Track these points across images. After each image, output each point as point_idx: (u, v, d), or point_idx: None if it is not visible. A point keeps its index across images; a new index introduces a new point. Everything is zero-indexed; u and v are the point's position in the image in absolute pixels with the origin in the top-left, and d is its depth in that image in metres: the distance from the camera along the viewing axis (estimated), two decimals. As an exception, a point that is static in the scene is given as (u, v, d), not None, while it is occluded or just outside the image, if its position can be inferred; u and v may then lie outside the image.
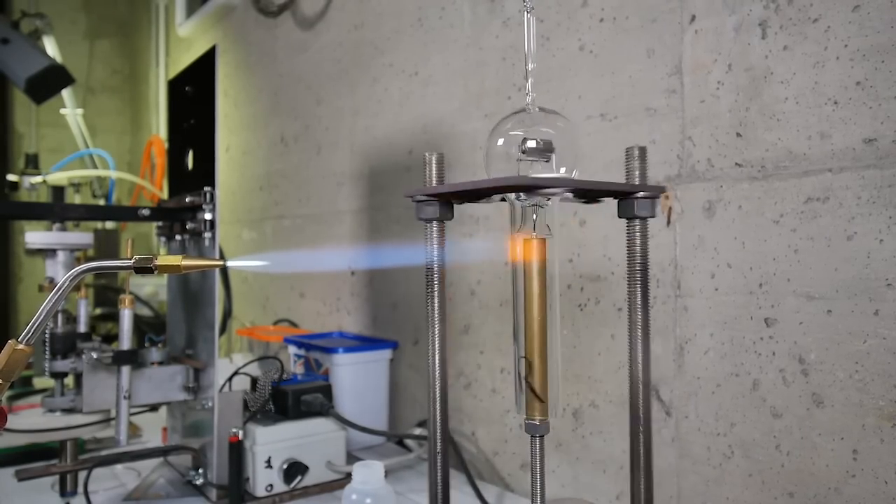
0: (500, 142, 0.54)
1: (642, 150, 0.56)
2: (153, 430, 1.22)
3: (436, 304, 0.58)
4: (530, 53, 0.55)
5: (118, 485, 1.01)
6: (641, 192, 0.54)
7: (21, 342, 0.47)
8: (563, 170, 0.53)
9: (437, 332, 0.59)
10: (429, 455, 0.61)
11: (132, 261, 0.49)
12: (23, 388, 1.30)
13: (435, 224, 0.58)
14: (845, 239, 0.67)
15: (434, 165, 0.58)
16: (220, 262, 0.53)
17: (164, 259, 0.50)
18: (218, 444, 0.91)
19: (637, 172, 0.56)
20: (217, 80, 0.93)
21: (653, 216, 0.55)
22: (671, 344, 0.82)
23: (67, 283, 0.48)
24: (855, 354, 0.66)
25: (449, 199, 0.56)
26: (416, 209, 0.57)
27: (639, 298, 0.55)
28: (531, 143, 0.51)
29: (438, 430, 0.60)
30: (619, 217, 0.56)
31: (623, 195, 0.55)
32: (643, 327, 0.55)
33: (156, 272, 0.50)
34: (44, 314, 0.47)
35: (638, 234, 0.55)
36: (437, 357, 0.59)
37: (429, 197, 0.55)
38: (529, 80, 0.55)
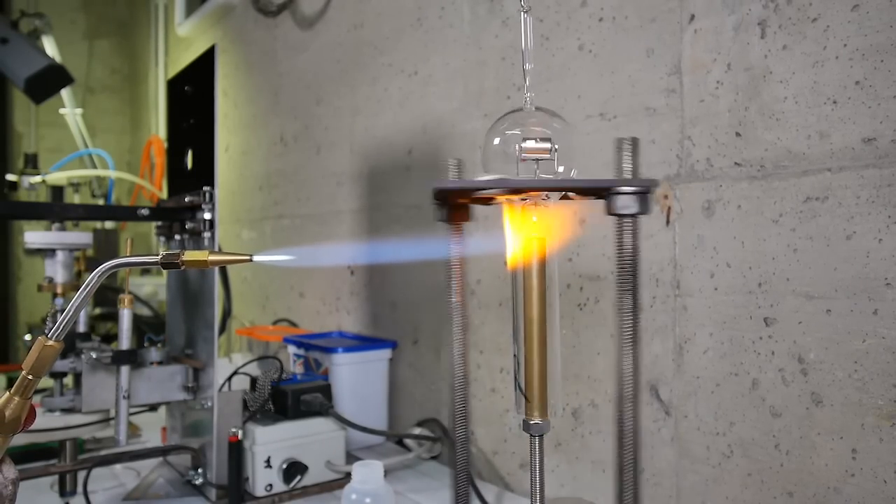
0: (497, 141, 0.54)
1: (634, 142, 0.48)
2: (153, 430, 1.22)
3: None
4: (528, 55, 0.55)
5: (118, 485, 1.01)
6: (627, 188, 0.46)
7: (51, 338, 0.47)
8: (560, 169, 0.53)
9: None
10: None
11: (160, 256, 0.49)
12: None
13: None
14: (844, 238, 0.67)
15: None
16: (248, 257, 0.51)
17: (190, 254, 0.49)
18: (217, 444, 0.91)
19: (628, 167, 0.47)
20: (216, 79, 0.93)
21: (643, 213, 0.47)
22: (670, 343, 0.82)
23: (96, 279, 0.47)
24: (854, 354, 0.66)
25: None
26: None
27: (630, 304, 0.47)
28: (529, 144, 0.50)
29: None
30: (608, 214, 0.48)
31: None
32: (633, 335, 0.48)
33: (182, 267, 0.49)
34: (73, 310, 0.47)
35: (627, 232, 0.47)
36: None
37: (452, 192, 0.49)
38: (528, 82, 0.55)
